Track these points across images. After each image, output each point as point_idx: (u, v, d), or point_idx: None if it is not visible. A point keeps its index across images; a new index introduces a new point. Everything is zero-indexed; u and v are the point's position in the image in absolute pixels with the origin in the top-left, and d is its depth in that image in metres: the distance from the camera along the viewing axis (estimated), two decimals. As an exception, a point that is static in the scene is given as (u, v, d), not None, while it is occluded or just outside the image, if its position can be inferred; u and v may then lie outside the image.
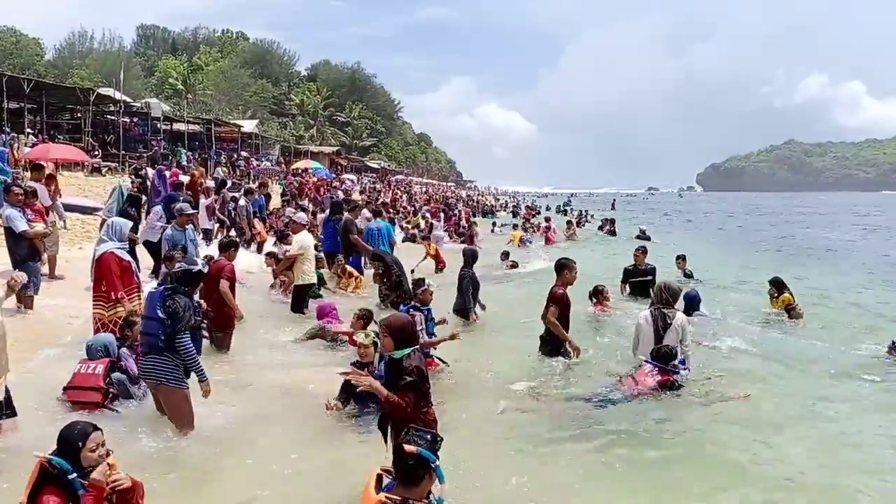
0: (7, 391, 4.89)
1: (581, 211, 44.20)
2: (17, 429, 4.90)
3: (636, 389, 6.27)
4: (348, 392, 5.89)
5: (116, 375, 5.75)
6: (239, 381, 6.79)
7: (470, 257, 10.30)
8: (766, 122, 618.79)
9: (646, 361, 6.45)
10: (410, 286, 10.66)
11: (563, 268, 7.67)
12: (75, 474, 3.31)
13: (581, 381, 6.99)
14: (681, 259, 14.43)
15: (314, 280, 10.17)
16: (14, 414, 4.92)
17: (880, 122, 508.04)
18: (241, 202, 14.65)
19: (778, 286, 10.69)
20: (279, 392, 6.56)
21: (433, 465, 3.14)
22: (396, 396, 4.11)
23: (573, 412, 6.20)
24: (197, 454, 5.04)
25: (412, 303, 7.50)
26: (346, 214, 12.48)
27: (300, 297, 9.92)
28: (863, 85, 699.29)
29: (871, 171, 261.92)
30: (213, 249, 10.66)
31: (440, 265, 15.74)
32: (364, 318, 7.83)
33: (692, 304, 9.70)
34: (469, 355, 7.90)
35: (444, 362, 7.24)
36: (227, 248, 8.13)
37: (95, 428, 3.51)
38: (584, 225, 34.68)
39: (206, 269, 5.95)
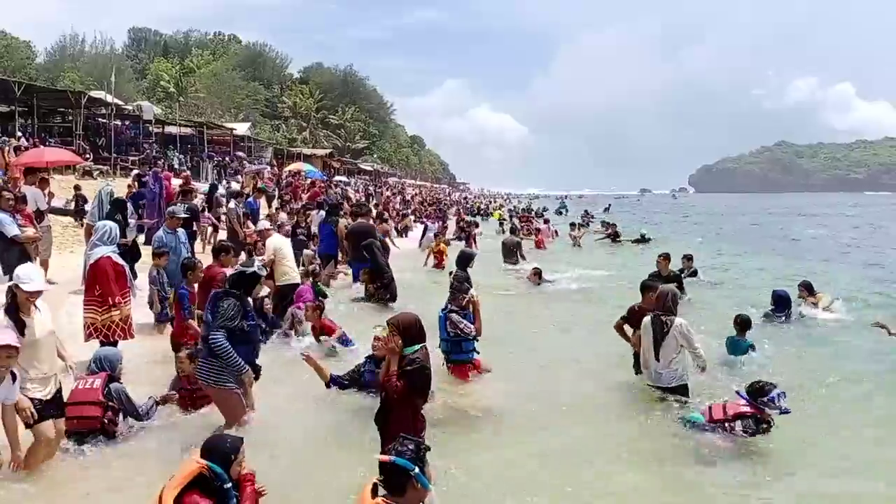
0: (59, 389, 5.02)
1: (585, 211, 44.17)
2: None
3: (720, 419, 5.96)
4: (354, 379, 5.90)
5: (115, 386, 5.62)
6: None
7: (460, 260, 10.00)
8: (757, 123, 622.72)
9: (738, 394, 6.17)
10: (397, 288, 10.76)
11: (648, 289, 7.48)
12: (230, 484, 3.45)
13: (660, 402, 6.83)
14: (686, 259, 14.64)
15: (297, 280, 9.93)
16: (62, 414, 5.05)
17: (870, 123, 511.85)
18: (231, 205, 14.57)
19: (808, 288, 11.21)
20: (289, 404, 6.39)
21: (413, 474, 3.16)
22: (394, 378, 4.33)
23: (653, 433, 6.13)
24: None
25: (450, 306, 7.27)
26: (359, 220, 12.53)
27: (284, 299, 9.71)
28: (852, 87, 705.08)
29: (862, 172, 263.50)
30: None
31: (441, 263, 16.26)
32: (318, 308, 8.47)
33: (786, 304, 10.19)
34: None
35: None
36: (219, 252, 8.06)
37: (242, 441, 3.66)
38: (588, 226, 33.49)
39: (263, 273, 5.68)
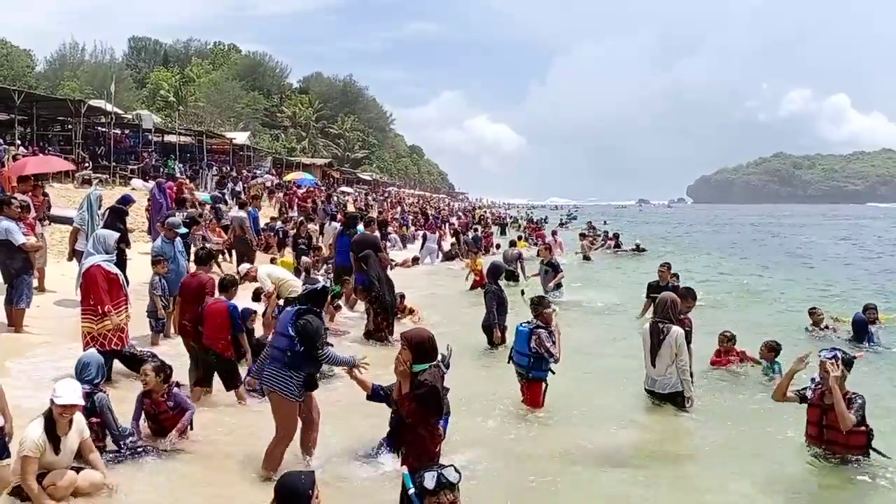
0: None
1: (590, 222, 44.19)
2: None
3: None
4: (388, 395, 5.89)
5: (99, 397, 5.40)
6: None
7: (490, 273, 9.84)
8: (752, 135, 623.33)
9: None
10: (395, 301, 10.43)
11: (684, 298, 7.47)
12: None
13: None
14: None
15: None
16: (8, 455, 4.69)
17: (865, 135, 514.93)
18: (233, 213, 14.55)
19: (874, 310, 11.19)
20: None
21: (409, 493, 3.20)
22: (406, 401, 4.31)
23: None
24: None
25: (536, 321, 7.04)
26: (362, 229, 12.41)
27: None
28: (847, 98, 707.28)
29: (860, 184, 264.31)
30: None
31: (482, 282, 14.95)
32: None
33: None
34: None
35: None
36: (205, 261, 7.84)
37: (314, 474, 3.32)
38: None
39: (333, 288, 5.88)
